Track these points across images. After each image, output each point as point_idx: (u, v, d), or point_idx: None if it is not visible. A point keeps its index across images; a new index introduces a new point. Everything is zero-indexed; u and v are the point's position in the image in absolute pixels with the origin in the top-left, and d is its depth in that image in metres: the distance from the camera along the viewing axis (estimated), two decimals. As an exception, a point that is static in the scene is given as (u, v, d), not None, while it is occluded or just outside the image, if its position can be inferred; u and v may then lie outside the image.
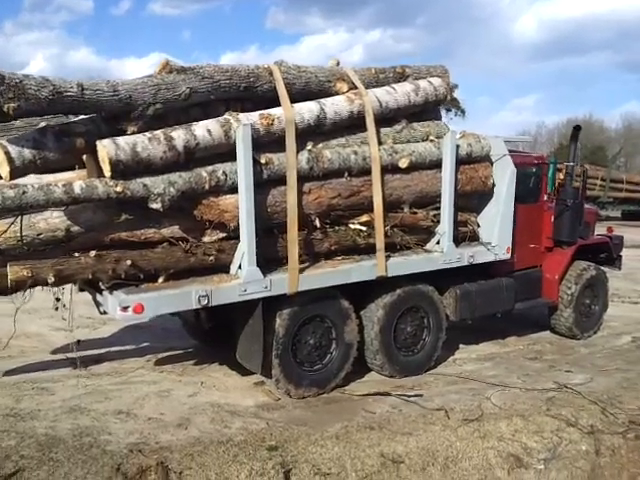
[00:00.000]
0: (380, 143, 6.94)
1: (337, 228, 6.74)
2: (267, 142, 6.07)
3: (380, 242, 6.74)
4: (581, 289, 9.41)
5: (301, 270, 6.26)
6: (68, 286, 5.95)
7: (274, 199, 6.09)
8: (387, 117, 7.14)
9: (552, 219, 9.23)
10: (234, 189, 5.78)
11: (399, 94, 7.11)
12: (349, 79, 6.93)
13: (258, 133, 5.90)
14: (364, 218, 6.83)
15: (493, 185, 8.02)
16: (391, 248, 7.16)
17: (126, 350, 8.05)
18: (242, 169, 5.67)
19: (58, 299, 5.90)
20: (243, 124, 5.67)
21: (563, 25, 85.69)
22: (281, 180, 6.07)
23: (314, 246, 6.56)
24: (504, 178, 7.99)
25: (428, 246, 7.60)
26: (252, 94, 6.24)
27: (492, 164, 8.05)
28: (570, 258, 9.33)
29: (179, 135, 5.44)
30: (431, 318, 7.65)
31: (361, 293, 7.14)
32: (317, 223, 6.42)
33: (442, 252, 7.43)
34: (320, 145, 6.53)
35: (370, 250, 6.90)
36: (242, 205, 5.72)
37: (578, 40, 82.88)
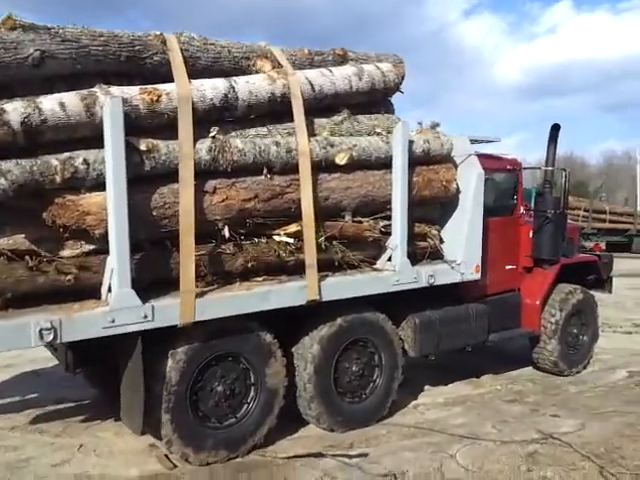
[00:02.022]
0: (314, 135, 5.56)
1: (256, 240, 5.26)
2: (153, 125, 4.64)
3: (311, 257, 5.27)
4: (567, 316, 8.00)
5: (200, 294, 4.76)
6: None
7: (162, 199, 4.62)
8: (323, 105, 5.77)
9: (530, 234, 7.86)
10: (102, 184, 4.30)
11: (337, 77, 5.75)
12: (273, 57, 5.56)
13: (138, 112, 4.47)
14: (292, 228, 5.37)
15: (457, 191, 6.63)
16: (329, 266, 5.70)
17: (4, 403, 6.41)
18: (111, 157, 4.20)
19: None
20: (112, 97, 4.22)
21: (544, 69, 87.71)
22: (173, 175, 4.61)
23: (223, 263, 5.07)
24: (470, 182, 6.62)
25: (378, 264, 6.14)
26: (139, 68, 4.83)
27: (456, 166, 6.68)
28: (553, 280, 7.93)
29: (15, 108, 3.98)
30: (383, 354, 6.14)
31: (290, 324, 5.64)
32: (226, 233, 4.95)
33: (394, 271, 5.97)
34: (233, 133, 5.11)
35: (303, 269, 5.42)
36: (111, 206, 4.24)
37: (559, 83, 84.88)
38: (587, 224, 26.12)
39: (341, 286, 5.58)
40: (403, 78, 6.53)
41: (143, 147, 4.43)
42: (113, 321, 4.29)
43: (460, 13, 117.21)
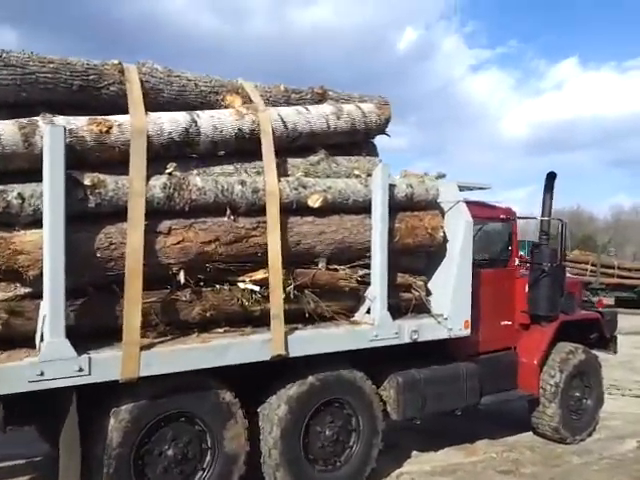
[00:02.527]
0: (286, 175, 5.18)
1: (218, 287, 4.80)
2: (103, 159, 4.28)
3: (277, 307, 4.78)
4: (568, 378, 7.38)
5: (147, 346, 4.26)
6: None
7: (108, 240, 4.20)
8: (298, 144, 5.43)
9: (526, 288, 7.35)
10: (39, 221, 3.89)
11: (313, 116, 5.42)
12: (245, 93, 5.26)
13: (84, 144, 4.12)
14: (259, 274, 4.91)
15: (444, 240, 6.18)
16: (300, 317, 5.21)
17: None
18: (49, 191, 3.81)
19: None
20: (52, 126, 3.87)
21: (550, 124, 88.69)
22: (121, 213, 4.20)
23: (178, 311, 4.59)
24: (458, 231, 6.17)
25: (356, 316, 5.64)
26: (95, 98, 4.53)
27: (443, 213, 6.26)
28: (551, 338, 7.35)
29: (-60, 135, 3.63)
30: (361, 417, 5.55)
31: (255, 382, 5.11)
32: (181, 278, 4.50)
33: (372, 325, 5.46)
34: (194, 171, 4.73)
35: (270, 320, 4.92)
36: (47, 245, 3.81)
37: (565, 138, 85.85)
38: (595, 279, 25.42)
39: (312, 340, 5.06)
40: (388, 120, 6.21)
41: (87, 182, 4.04)
42: (42, 374, 3.79)
43: (467, 69, 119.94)
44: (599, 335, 8.18)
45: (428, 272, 6.36)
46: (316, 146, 5.59)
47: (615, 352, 8.37)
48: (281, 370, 5.15)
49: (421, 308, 6.12)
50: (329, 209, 5.31)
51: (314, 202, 5.11)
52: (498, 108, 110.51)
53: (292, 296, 4.97)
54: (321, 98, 5.86)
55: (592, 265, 25.93)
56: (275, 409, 5.05)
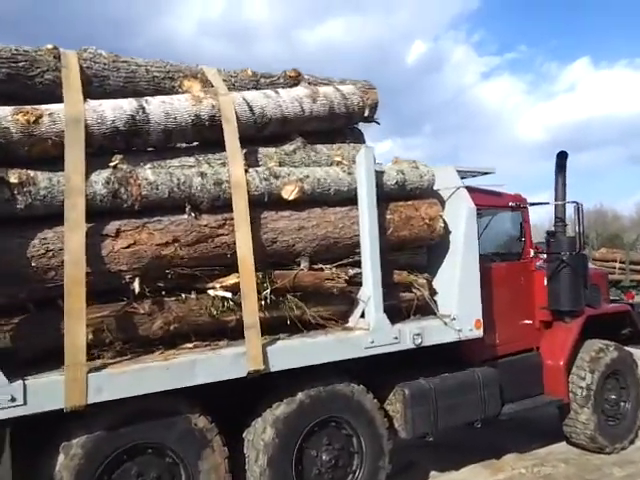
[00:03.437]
0: (257, 166, 4.59)
1: (183, 297, 4.19)
2: (34, 154, 3.72)
3: (251, 316, 4.14)
4: (600, 379, 6.60)
5: (96, 368, 3.65)
6: None
7: (44, 246, 3.62)
8: (269, 132, 4.85)
9: (545, 282, 6.62)
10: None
11: (284, 99, 4.84)
12: (205, 78, 4.70)
13: (9, 136, 3.57)
14: (232, 279, 4.28)
15: (446, 230, 5.52)
16: (283, 326, 4.56)
17: None
18: (-37, 191, 3.26)
19: None
20: (-36, 116, 3.33)
21: (565, 126, 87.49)
22: (59, 215, 3.63)
23: (137, 326, 3.98)
24: (459, 220, 5.52)
25: (350, 322, 4.98)
26: (28, 88, 4.00)
27: (442, 202, 5.61)
28: (578, 335, 6.59)
29: None
30: (363, 437, 4.85)
31: (236, 402, 4.47)
32: (135, 287, 3.89)
33: (367, 330, 4.79)
34: (148, 165, 4.16)
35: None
36: (-36, 254, 3.25)
37: (581, 139, 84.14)
38: (625, 276, 24.33)
39: (296, 352, 4.40)
40: (376, 105, 5.63)
41: (13, 179, 3.48)
42: (-39, 408, 3.19)
43: (478, 76, 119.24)
44: (631, 330, 7.38)
45: (432, 269, 5.70)
46: (292, 133, 5.00)
47: (651, 348, 7.56)
48: (266, 388, 4.50)
49: (426, 309, 5.44)
50: (308, 201, 4.71)
51: (289, 194, 4.50)
52: (512, 113, 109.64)
53: (269, 302, 4.32)
54: (295, 82, 5.29)
55: (620, 262, 24.82)
56: (260, 433, 4.38)
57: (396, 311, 5.31)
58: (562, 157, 6.67)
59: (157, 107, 4.17)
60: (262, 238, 4.39)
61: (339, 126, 5.39)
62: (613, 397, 6.79)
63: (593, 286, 6.93)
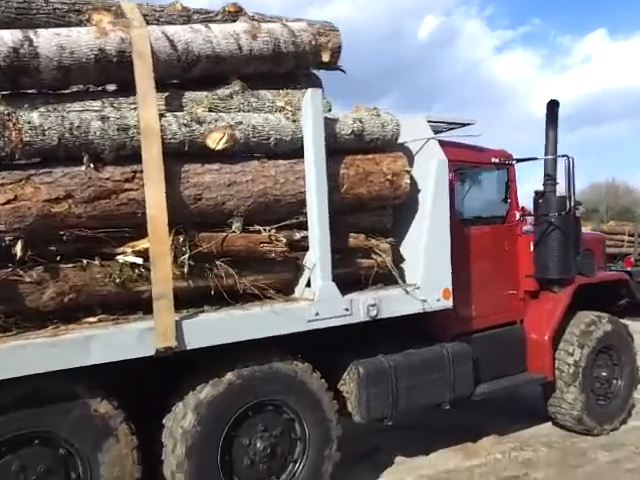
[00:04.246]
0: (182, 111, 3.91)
1: (85, 263, 3.58)
2: None
3: (161, 284, 3.52)
4: (591, 355, 5.98)
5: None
6: None
7: None
8: (197, 72, 4.15)
9: (531, 247, 5.93)
10: None
11: (216, 34, 4.12)
12: (120, 12, 3.98)
13: None
14: (144, 243, 3.65)
15: (414, 188, 4.83)
16: (215, 298, 3.95)
17: None
18: None
19: None
20: None
21: (580, 99, 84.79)
22: None
23: (22, 297, 3.38)
24: (428, 176, 4.82)
25: (296, 292, 4.36)
26: None
27: (410, 156, 4.91)
28: (567, 306, 5.93)
29: None
30: (306, 422, 4.28)
31: (161, 385, 3.90)
32: (18, 251, 3.28)
33: (312, 300, 4.17)
34: (41, 109, 3.50)
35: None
36: None
37: (596, 111, 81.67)
38: (633, 249, 23.55)
39: (220, 326, 3.79)
40: (339, 49, 4.89)
41: None
42: None
43: (491, 50, 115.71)
44: (629, 300, 6.70)
45: (399, 233, 5.03)
46: (229, 76, 4.30)
47: (652, 320, 6.89)
48: (192, 368, 3.93)
49: (391, 279, 4.79)
50: (243, 153, 4.03)
51: (215, 142, 3.82)
52: (526, 87, 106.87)
53: (191, 269, 3.70)
54: (235, 19, 4.54)
55: (629, 235, 24.06)
56: (180, 420, 3.82)
57: (354, 280, 4.70)
58: (553, 106, 5.88)
59: (48, 39, 3.48)
60: (182, 194, 3.74)
61: (289, 70, 4.64)
62: (604, 374, 6.17)
63: (586, 251, 6.23)
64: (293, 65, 4.63)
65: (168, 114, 3.74)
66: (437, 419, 5.96)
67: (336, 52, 4.91)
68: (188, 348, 3.62)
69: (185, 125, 3.75)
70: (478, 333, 5.54)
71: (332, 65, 4.98)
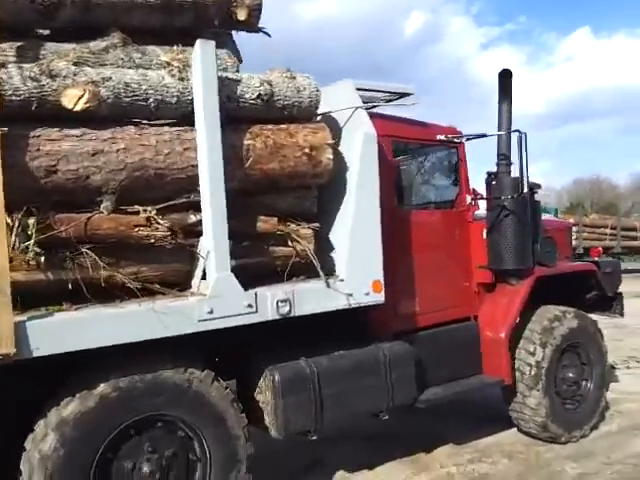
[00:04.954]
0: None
1: None
2: None
3: (-4, 277, 2.82)
4: (554, 354, 5.35)
5: None
6: None
7: None
8: (64, 20, 3.50)
9: (484, 235, 5.29)
10: None
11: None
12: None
13: None
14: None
15: (339, 165, 4.17)
16: (73, 292, 3.25)
17: None
18: None
19: None
20: None
21: (564, 97, 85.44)
22: None
23: None
24: (354, 150, 4.16)
25: (193, 286, 3.66)
26: None
27: (334, 128, 4.25)
28: (524, 300, 5.29)
29: None
30: (207, 440, 3.57)
31: (11, 399, 3.19)
32: None
33: (205, 296, 3.48)
34: None
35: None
36: None
37: (580, 109, 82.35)
38: (616, 242, 23.31)
39: (80, 328, 3.08)
40: (259, 9, 4.21)
41: None
42: None
43: (477, 47, 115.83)
44: (598, 293, 6.07)
45: (327, 218, 4.37)
46: (108, 27, 3.62)
47: (621, 314, 6.26)
48: (59, 379, 3.23)
49: (309, 269, 4.11)
50: (114, 116, 3.35)
51: (73, 102, 3.13)
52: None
53: (31, 255, 2.99)
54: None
55: (611, 228, 23.81)
56: (39, 442, 3.11)
57: (270, 271, 4.02)
58: (506, 76, 5.26)
59: None
60: (29, 165, 3.05)
61: (189, 25, 3.98)
62: (571, 376, 5.53)
63: (547, 239, 5.59)
64: (192, 18, 3.95)
65: (10, 65, 3.04)
66: (389, 426, 5.23)
67: (255, 10, 4.22)
68: (35, 355, 2.91)
69: (32, 79, 3.06)
70: (424, 331, 4.88)
71: (251, 26, 4.32)
